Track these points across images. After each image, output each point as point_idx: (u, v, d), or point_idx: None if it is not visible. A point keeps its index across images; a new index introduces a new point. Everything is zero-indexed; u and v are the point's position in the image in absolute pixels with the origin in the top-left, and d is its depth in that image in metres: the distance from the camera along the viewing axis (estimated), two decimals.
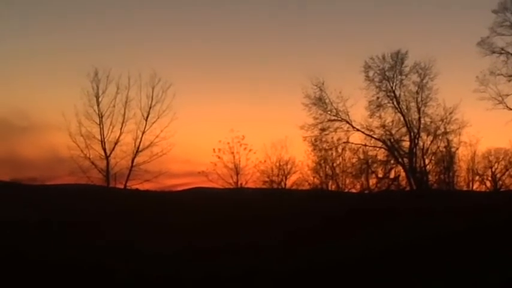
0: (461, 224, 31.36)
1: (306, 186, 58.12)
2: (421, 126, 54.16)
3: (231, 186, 54.32)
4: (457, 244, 26.09)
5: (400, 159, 54.56)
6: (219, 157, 53.79)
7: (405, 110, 54.12)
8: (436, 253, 23.63)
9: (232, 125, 69.66)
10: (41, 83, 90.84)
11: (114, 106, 50.15)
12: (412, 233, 28.07)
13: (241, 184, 54.74)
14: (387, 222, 31.63)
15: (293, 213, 36.67)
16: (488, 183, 63.90)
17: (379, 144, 54.85)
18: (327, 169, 57.78)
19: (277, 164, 57.91)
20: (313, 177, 58.46)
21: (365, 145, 55.27)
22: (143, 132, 50.23)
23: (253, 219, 32.44)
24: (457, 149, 57.52)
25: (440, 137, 55.02)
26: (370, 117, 54.53)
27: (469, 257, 23.25)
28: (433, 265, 21.73)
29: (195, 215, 32.41)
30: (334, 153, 57.05)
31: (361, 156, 56.13)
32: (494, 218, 33.05)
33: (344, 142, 55.43)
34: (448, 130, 54.79)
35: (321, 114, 54.73)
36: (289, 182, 58.76)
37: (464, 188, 60.99)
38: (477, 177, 63.38)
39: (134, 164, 50.08)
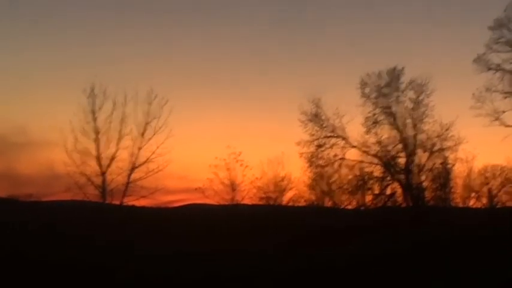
0: (457, 236, 31.46)
1: (302, 203, 58.16)
2: (417, 142, 54.18)
3: (228, 203, 54.18)
4: (452, 252, 26.16)
5: (396, 176, 54.51)
6: (215, 173, 53.71)
7: (401, 127, 54.20)
8: (433, 259, 23.68)
9: (229, 141, 70.05)
10: (38, 100, 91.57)
11: (110, 122, 49.81)
12: (408, 241, 28.17)
13: (237, 200, 54.58)
14: (384, 231, 31.74)
15: (290, 228, 36.62)
16: (484, 200, 63.99)
17: (376, 160, 54.84)
18: (323, 185, 57.86)
19: (274, 181, 58.07)
20: (310, 193, 58.54)
21: (361, 162, 55.29)
22: (139, 149, 49.86)
23: (251, 230, 32.51)
24: (453, 165, 57.63)
25: (436, 154, 54.97)
26: (367, 134, 54.59)
27: (463, 264, 23.31)
28: (430, 270, 21.76)
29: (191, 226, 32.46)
30: (330, 170, 57.10)
31: (358, 173, 56.12)
32: (489, 232, 33.14)
33: (340, 158, 55.36)
34: (444, 147, 54.77)
35: (317, 131, 54.83)
36: (286, 199, 58.89)
37: (461, 205, 61.04)
38: (473, 194, 63.53)
39: (130, 180, 49.70)
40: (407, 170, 53.81)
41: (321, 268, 20.55)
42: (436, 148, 54.68)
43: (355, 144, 54.66)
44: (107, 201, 49.18)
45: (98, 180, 48.97)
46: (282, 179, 58.49)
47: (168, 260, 21.71)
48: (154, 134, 49.88)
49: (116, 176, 49.47)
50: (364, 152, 54.69)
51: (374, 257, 26.48)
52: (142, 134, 49.98)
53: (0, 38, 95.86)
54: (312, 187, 58.13)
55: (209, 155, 58.02)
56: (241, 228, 32.85)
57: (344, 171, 56.97)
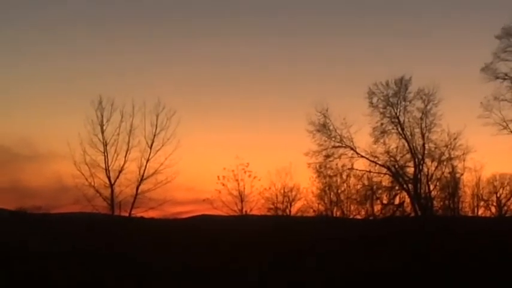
0: (466, 245, 31.34)
1: (311, 213, 57.96)
2: (426, 152, 53.90)
3: (236, 214, 54.04)
4: (461, 261, 26.06)
5: (404, 186, 54.29)
6: (223, 184, 53.42)
7: (409, 136, 53.96)
8: (441, 268, 23.61)
9: (237, 152, 69.44)
10: (45, 112, 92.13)
11: (118, 134, 49.95)
12: (416, 250, 28.07)
13: (245, 211, 54.40)
14: (392, 241, 31.64)
15: (299, 238, 36.58)
16: (493, 209, 63.57)
17: (384, 170, 54.66)
18: (331, 196, 57.67)
19: (282, 191, 57.75)
20: (318, 203, 58.38)
21: (369, 171, 55.05)
22: (147, 160, 49.94)
23: (259, 241, 32.48)
24: (462, 174, 57.15)
25: (444, 163, 54.73)
26: (375, 144, 54.34)
27: (472, 273, 23.22)
28: (439, 278, 21.69)
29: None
30: (338, 180, 56.98)
31: (366, 183, 55.92)
32: (499, 241, 32.99)
33: (348, 168, 55.27)
34: (452, 156, 54.44)
35: (325, 141, 54.63)
36: (294, 209, 58.59)
37: (469, 214, 60.68)
38: (482, 203, 63.06)
39: (139, 191, 49.69)
40: (415, 179, 53.55)
41: (330, 279, 20.56)
42: (444, 157, 54.45)
43: (363, 154, 54.54)
44: (115, 213, 49.27)
45: (107, 192, 49.09)
46: (291, 190, 58.35)
47: (175, 272, 21.75)
48: (162, 145, 50.00)
49: (125, 187, 49.58)
50: (373, 161, 54.56)
51: (383, 267, 26.44)
52: (151, 146, 50.11)
53: (6, 49, 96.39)
54: (320, 197, 57.97)
55: (217, 166, 57.66)
56: (249, 239, 32.84)
57: (352, 181, 56.95)
